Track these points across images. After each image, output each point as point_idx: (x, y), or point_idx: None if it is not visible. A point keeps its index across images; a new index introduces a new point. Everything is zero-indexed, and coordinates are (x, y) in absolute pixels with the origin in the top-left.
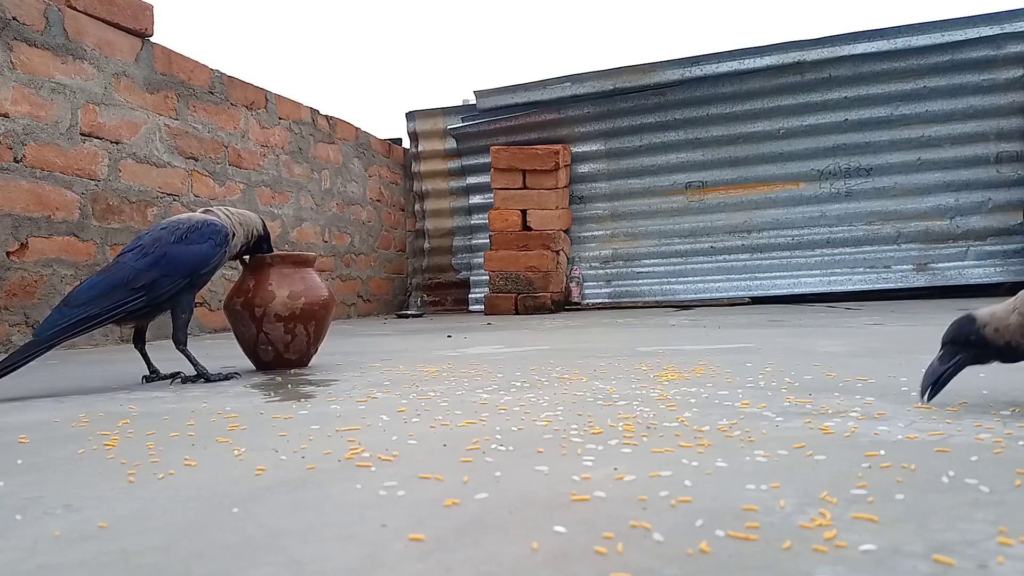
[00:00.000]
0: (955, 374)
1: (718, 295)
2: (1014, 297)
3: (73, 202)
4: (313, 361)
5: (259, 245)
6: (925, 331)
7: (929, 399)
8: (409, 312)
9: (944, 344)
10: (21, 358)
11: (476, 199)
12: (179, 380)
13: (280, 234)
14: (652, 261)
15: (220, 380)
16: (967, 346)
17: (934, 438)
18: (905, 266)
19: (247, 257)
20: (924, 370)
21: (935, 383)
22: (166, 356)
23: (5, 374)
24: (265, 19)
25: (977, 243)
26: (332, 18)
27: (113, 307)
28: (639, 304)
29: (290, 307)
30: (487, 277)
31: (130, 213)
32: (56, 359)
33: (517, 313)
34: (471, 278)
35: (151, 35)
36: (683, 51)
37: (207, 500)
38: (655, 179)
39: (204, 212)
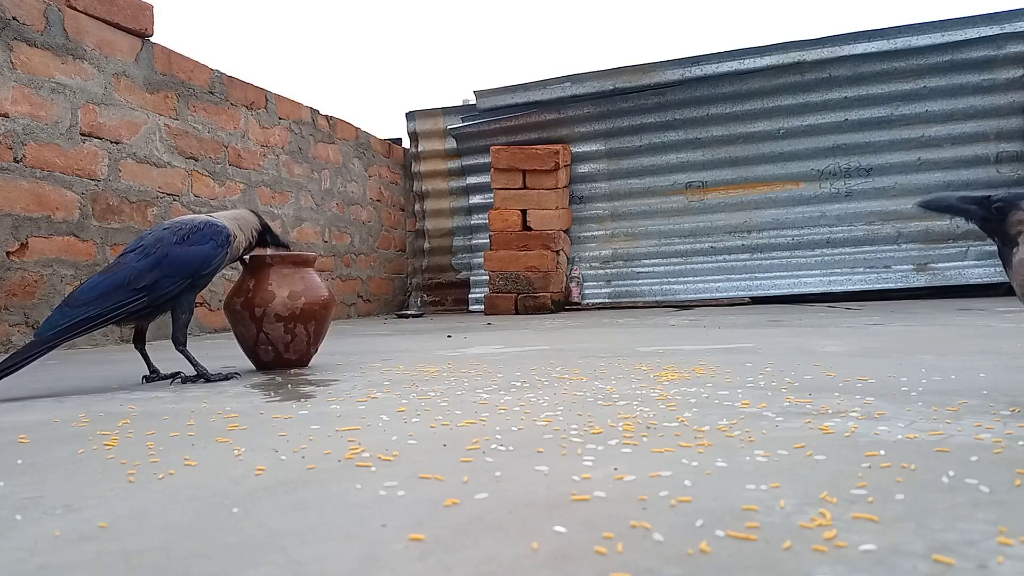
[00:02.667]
0: (957, 214)
1: (718, 295)
2: None
3: (73, 202)
4: (313, 361)
5: (263, 239)
6: (925, 331)
7: (920, 205)
8: (409, 312)
9: (985, 195)
10: (23, 358)
11: (476, 199)
12: (179, 380)
13: (280, 234)
14: (652, 261)
15: (220, 380)
16: (989, 209)
17: (934, 438)
18: (905, 266)
19: (247, 258)
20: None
21: (933, 204)
22: (166, 356)
23: (7, 374)
24: (265, 19)
25: (977, 243)
26: (332, 18)
27: (114, 307)
28: (639, 304)
29: (290, 307)
30: (487, 277)
31: (130, 213)
32: (56, 359)
33: (517, 313)
34: (471, 278)
35: (151, 35)
36: (683, 51)
37: (207, 500)
38: (655, 179)
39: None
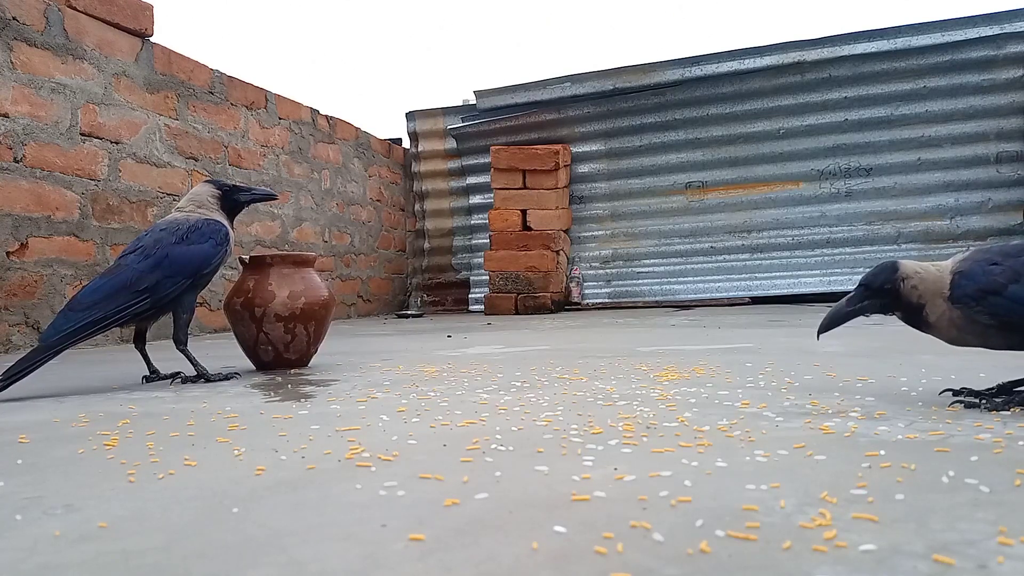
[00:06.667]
0: (855, 317)
1: (718, 295)
2: (951, 258)
3: (73, 202)
4: (313, 361)
5: (233, 199)
6: None
7: (819, 335)
8: (409, 312)
9: (859, 284)
10: (29, 364)
11: (476, 199)
12: (179, 380)
13: (280, 234)
14: (652, 261)
15: (220, 380)
16: (878, 293)
17: (934, 438)
18: None
19: (247, 257)
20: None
21: (830, 324)
22: (166, 356)
23: (14, 381)
24: (265, 19)
25: (977, 243)
26: (332, 18)
27: (118, 310)
28: (639, 304)
29: (290, 307)
30: (487, 277)
31: (130, 213)
32: (57, 359)
33: (517, 313)
34: (471, 278)
35: (151, 35)
36: (683, 51)
37: (207, 500)
38: (655, 179)
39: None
